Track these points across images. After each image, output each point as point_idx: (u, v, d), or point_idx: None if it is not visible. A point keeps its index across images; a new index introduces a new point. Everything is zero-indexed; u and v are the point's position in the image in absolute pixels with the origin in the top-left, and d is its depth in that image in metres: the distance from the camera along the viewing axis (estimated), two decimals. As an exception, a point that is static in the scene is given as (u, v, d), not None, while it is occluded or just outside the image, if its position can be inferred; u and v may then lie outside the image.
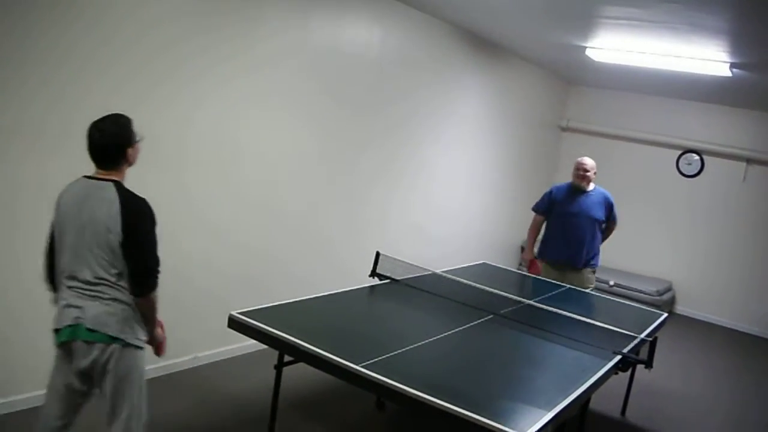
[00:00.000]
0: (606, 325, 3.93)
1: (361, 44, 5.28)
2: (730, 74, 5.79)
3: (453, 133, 6.78)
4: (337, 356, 2.91)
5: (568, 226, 5.50)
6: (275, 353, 3.34)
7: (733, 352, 7.17)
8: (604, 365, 3.34)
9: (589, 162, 5.49)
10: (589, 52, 6.21)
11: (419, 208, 6.51)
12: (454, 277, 4.67)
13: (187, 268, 4.24)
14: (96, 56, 3.53)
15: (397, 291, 4.30)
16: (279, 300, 3.63)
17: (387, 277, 4.46)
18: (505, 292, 4.42)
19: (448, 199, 6.97)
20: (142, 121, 2.72)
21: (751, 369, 6.68)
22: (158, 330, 2.79)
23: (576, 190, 5.51)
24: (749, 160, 7.99)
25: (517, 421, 2.51)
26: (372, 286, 4.34)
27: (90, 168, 2.60)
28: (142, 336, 2.67)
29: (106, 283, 2.54)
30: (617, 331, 3.89)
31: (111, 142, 2.55)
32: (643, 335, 3.94)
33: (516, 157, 8.18)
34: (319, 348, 2.97)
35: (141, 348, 2.66)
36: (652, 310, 5.02)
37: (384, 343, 3.22)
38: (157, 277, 2.61)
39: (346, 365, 2.86)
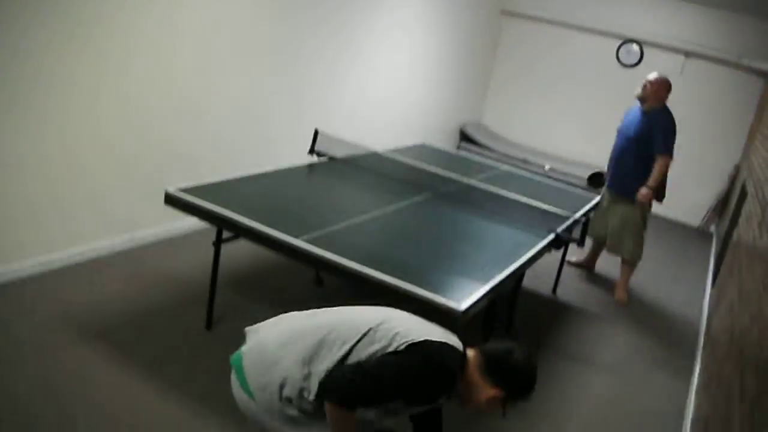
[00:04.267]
0: (541, 205, 4.03)
1: None
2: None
3: (389, 19, 6.56)
4: (276, 230, 2.90)
5: (615, 147, 5.11)
6: (213, 232, 3.30)
7: (662, 238, 7.48)
8: (539, 242, 3.44)
9: (650, 76, 4.84)
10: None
11: (358, 92, 6.37)
12: (393, 156, 4.65)
13: (121, 143, 4.07)
14: None
15: (337, 169, 4.26)
16: (217, 178, 3.56)
17: (326, 155, 4.40)
18: (444, 171, 4.44)
19: (387, 83, 6.84)
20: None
21: (677, 254, 7.01)
22: None
23: (641, 110, 4.93)
24: (687, 54, 8.06)
25: (453, 294, 2.57)
26: (311, 164, 4.29)
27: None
28: None
29: None
30: (552, 212, 3.99)
31: None
32: (576, 216, 4.06)
33: (455, 41, 8.03)
34: (258, 222, 2.95)
35: None
36: (586, 193, 5.13)
37: (323, 218, 3.21)
38: None
39: (285, 239, 2.85)
